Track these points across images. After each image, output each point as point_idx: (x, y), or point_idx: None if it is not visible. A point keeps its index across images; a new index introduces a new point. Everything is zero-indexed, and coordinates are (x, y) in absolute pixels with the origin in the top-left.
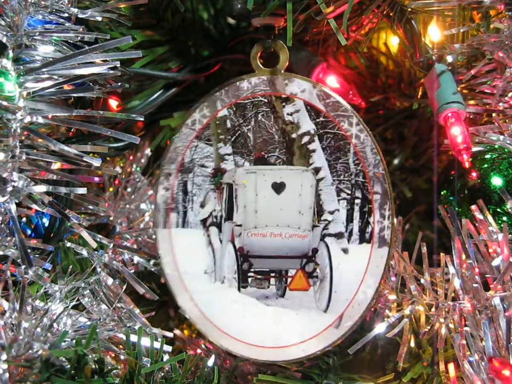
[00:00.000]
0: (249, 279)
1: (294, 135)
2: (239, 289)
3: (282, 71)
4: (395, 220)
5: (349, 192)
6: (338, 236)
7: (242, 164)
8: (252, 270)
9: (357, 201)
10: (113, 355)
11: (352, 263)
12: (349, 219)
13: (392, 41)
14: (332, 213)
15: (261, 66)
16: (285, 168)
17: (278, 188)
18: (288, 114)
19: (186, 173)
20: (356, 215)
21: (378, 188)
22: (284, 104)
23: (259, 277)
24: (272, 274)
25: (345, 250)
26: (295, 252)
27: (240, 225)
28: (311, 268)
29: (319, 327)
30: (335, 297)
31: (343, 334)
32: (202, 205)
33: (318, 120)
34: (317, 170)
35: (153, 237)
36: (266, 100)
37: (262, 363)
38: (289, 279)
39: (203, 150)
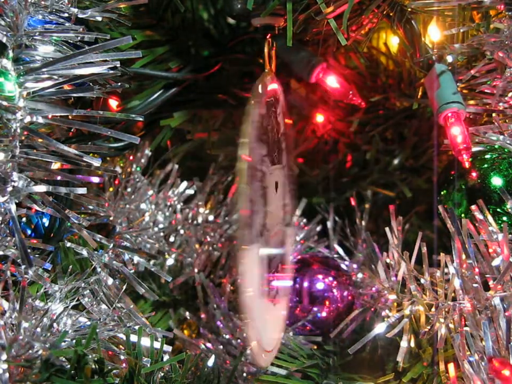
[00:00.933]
0: (269, 284)
1: (279, 135)
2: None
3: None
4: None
5: (290, 185)
6: (289, 224)
7: (269, 165)
8: (271, 273)
9: (292, 192)
10: (113, 355)
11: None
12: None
13: (392, 41)
14: (287, 205)
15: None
16: (277, 167)
17: (276, 186)
18: (278, 114)
19: (253, 178)
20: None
21: (294, 179)
22: (277, 104)
23: (272, 279)
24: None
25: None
26: (280, 246)
27: (268, 231)
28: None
29: (285, 309)
30: None
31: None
32: (258, 215)
33: (283, 121)
34: (284, 168)
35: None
36: (274, 100)
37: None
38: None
39: (257, 152)
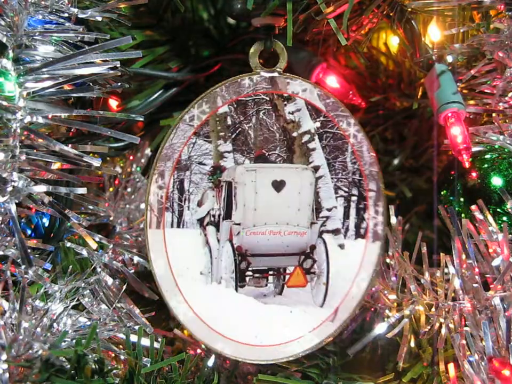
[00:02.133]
0: (247, 278)
1: (294, 134)
2: (236, 289)
3: (280, 71)
4: (394, 219)
5: (346, 189)
6: (335, 232)
7: (243, 161)
8: (250, 268)
9: (353, 198)
10: (113, 355)
11: (348, 258)
12: (346, 215)
13: (392, 41)
14: (329, 210)
15: (260, 65)
16: (286, 166)
17: (278, 185)
18: (289, 113)
19: (183, 170)
20: (352, 211)
21: (373, 185)
22: (285, 102)
23: (257, 275)
24: (270, 272)
25: (341, 246)
26: (293, 249)
27: (238, 224)
28: (309, 264)
29: (316, 322)
30: (331, 292)
31: (338, 327)
32: (199, 204)
33: (318, 119)
34: (316, 169)
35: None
36: (268, 98)
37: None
38: (287, 277)
39: (201, 147)
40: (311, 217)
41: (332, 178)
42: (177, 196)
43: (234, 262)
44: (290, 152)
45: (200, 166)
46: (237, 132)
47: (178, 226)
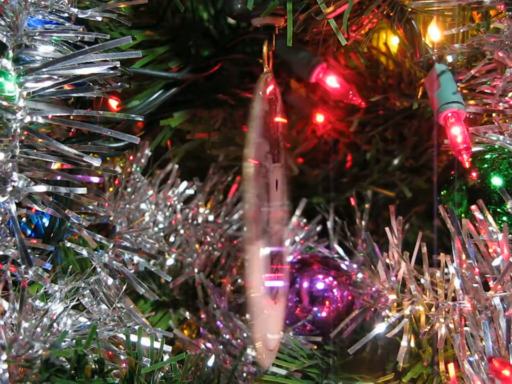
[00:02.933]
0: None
1: (278, 134)
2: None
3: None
4: (394, 219)
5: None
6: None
7: (271, 162)
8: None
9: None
10: (113, 355)
11: None
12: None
13: (392, 41)
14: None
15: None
16: (277, 165)
17: (277, 184)
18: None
19: (258, 175)
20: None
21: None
22: (277, 103)
23: (274, 276)
24: (276, 271)
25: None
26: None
27: (271, 228)
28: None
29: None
30: None
31: None
32: (263, 211)
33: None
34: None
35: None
36: (274, 98)
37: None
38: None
39: (261, 148)
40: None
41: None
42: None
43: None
44: (278, 151)
45: (262, 169)
46: (269, 131)
47: (259, 238)
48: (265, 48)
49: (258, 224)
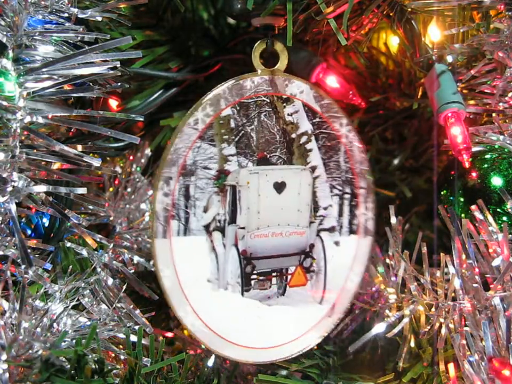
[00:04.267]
0: (252, 282)
1: (293, 135)
2: (242, 294)
3: (282, 72)
4: (394, 219)
5: (340, 188)
6: (331, 229)
7: (246, 164)
8: (255, 272)
9: (347, 196)
10: (113, 355)
11: (343, 254)
12: (340, 213)
13: (392, 41)
14: (325, 208)
15: (262, 66)
16: (286, 167)
17: (279, 187)
18: (288, 114)
19: (189, 176)
20: (346, 209)
21: (363, 183)
22: (284, 104)
23: (261, 278)
24: (274, 274)
25: (337, 243)
26: (294, 249)
27: (243, 228)
28: (309, 263)
29: (315, 319)
30: (328, 288)
31: (336, 321)
32: (205, 210)
33: (314, 120)
34: (313, 169)
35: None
36: (268, 100)
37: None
38: (289, 277)
39: (206, 151)
40: (310, 217)
41: (327, 177)
42: (183, 203)
43: (240, 266)
44: (290, 153)
45: (205, 171)
46: (240, 134)
47: (184, 234)
48: (255, 50)
49: (173, 220)
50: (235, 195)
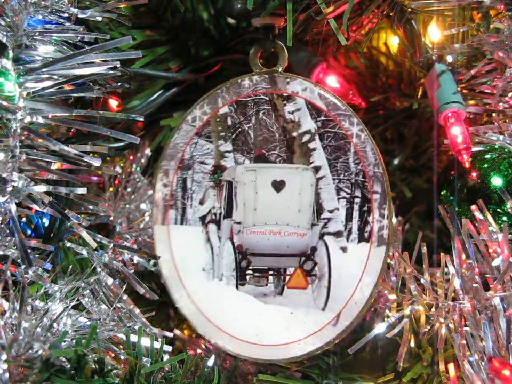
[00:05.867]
0: (247, 277)
1: (294, 134)
2: (237, 287)
3: (280, 71)
4: (394, 219)
5: (349, 191)
6: (337, 234)
7: (243, 161)
8: (250, 267)
9: (357, 200)
10: (113, 355)
11: (351, 262)
12: (348, 218)
13: (392, 41)
14: (331, 211)
15: (260, 66)
16: (285, 166)
17: (278, 186)
18: (289, 112)
19: (186, 169)
20: (355, 214)
21: (378, 187)
22: (285, 102)
23: (257, 274)
24: (270, 272)
25: (344, 249)
26: (294, 250)
27: (239, 223)
28: (310, 266)
29: (317, 325)
30: (333, 296)
31: (341, 332)
32: (201, 202)
33: (319, 119)
34: (317, 169)
35: (150, 233)
36: (267, 98)
37: (262, 362)
38: (287, 277)
39: (203, 147)
40: (312, 219)
41: (333, 179)
42: (181, 194)
43: (235, 260)
44: (290, 152)
45: (202, 166)
46: (237, 132)
47: (181, 223)
48: (253, 49)
49: (171, 209)
50: (231, 190)
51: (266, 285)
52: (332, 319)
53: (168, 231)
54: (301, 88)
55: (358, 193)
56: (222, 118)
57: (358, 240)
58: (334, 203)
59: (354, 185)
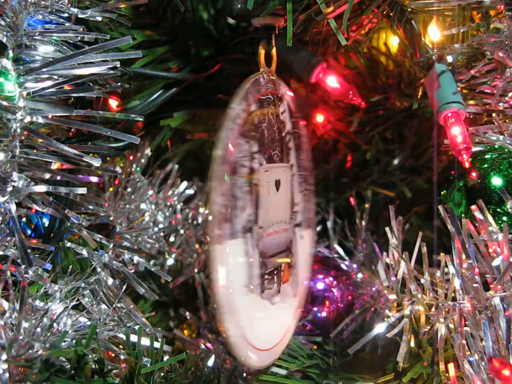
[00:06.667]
0: (265, 282)
1: (283, 134)
2: (261, 295)
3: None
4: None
5: (304, 185)
6: (299, 224)
7: (262, 162)
8: (266, 271)
9: (306, 192)
10: (113, 355)
11: (305, 248)
12: (304, 209)
13: (392, 41)
14: (297, 204)
15: (265, 66)
16: (279, 165)
17: (278, 185)
18: (281, 113)
19: (233, 174)
20: (306, 204)
21: (311, 179)
22: (279, 103)
23: (269, 277)
24: (275, 272)
25: (301, 237)
26: (285, 245)
27: (261, 228)
28: (291, 259)
29: (294, 312)
30: (300, 281)
31: (300, 312)
32: (243, 210)
33: (292, 120)
34: (291, 167)
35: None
36: (272, 98)
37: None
38: (281, 274)
39: (242, 148)
40: (290, 213)
41: (297, 175)
42: (231, 204)
43: (259, 267)
44: (282, 151)
45: (242, 169)
46: (259, 131)
47: (233, 237)
48: (261, 49)
49: (231, 223)
50: (258, 194)
51: (273, 286)
52: (299, 303)
53: (225, 250)
54: (285, 91)
55: (307, 186)
56: (252, 116)
57: (306, 227)
58: (298, 197)
59: (305, 179)
